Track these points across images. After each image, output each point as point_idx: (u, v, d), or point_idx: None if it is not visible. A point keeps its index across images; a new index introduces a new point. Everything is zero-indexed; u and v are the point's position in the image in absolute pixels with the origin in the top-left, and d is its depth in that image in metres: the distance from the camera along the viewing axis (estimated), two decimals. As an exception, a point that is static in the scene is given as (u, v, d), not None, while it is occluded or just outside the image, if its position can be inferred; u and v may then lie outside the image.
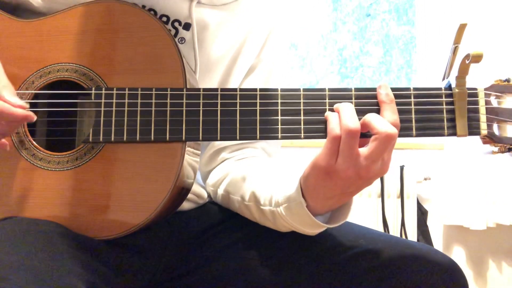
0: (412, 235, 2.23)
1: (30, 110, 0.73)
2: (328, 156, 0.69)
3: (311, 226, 0.77)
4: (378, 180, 2.26)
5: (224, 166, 0.96)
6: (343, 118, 0.69)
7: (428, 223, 2.29)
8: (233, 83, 0.96)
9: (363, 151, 0.68)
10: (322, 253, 0.82)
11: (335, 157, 0.69)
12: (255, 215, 0.85)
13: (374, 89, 0.74)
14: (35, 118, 0.72)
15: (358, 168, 0.68)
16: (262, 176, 0.86)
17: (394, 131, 0.68)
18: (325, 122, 0.73)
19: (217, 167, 0.98)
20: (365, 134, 0.70)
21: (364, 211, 2.24)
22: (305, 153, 2.08)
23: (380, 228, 2.23)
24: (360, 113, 0.72)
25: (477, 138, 0.75)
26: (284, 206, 0.77)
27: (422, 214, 2.29)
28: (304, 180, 0.74)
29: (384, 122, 0.69)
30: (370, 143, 0.68)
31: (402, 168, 2.28)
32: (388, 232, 2.22)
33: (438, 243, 2.36)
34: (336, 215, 0.78)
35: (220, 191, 0.94)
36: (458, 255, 2.36)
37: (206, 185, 1.00)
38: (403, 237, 2.20)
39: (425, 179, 2.32)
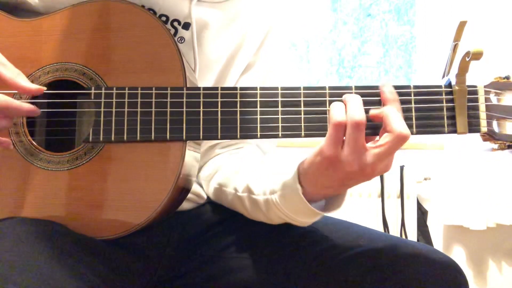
0: (412, 235, 2.23)
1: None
2: (332, 144, 0.68)
3: (306, 214, 0.76)
4: (378, 180, 2.26)
5: (217, 160, 0.96)
6: (349, 108, 0.69)
7: (428, 223, 2.29)
8: (230, 81, 0.96)
9: (372, 147, 0.68)
10: (322, 253, 0.82)
11: (340, 146, 0.68)
12: (247, 207, 0.84)
13: (374, 87, 0.73)
14: (39, 111, 0.73)
15: (364, 164, 0.67)
16: (256, 169, 0.85)
17: (408, 132, 0.67)
18: (325, 120, 0.73)
19: (210, 161, 0.98)
20: (370, 132, 0.70)
21: (364, 211, 2.24)
22: (304, 153, 2.08)
23: (380, 228, 2.23)
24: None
25: (477, 136, 0.75)
26: (279, 194, 0.76)
27: (422, 214, 2.29)
28: (305, 167, 0.73)
29: (401, 121, 0.68)
30: (382, 140, 0.67)
31: (402, 168, 2.28)
32: (388, 232, 2.22)
33: (438, 243, 2.35)
34: (330, 204, 0.78)
35: (213, 184, 0.94)
36: (458, 255, 2.35)
37: (198, 178, 1.00)
38: (403, 237, 2.20)
39: (425, 179, 2.31)
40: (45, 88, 0.73)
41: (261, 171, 0.84)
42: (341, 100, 0.72)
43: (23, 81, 0.72)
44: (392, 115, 0.68)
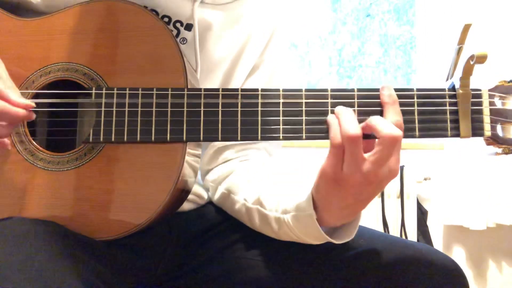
0: (412, 235, 2.23)
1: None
2: (333, 164, 0.68)
3: (316, 239, 0.76)
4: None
5: (228, 165, 0.96)
6: (342, 124, 0.67)
7: (428, 223, 2.29)
8: (235, 83, 0.95)
9: (369, 156, 0.67)
10: (321, 253, 0.82)
11: (340, 164, 0.67)
12: (256, 220, 0.84)
13: (376, 90, 0.72)
14: (34, 116, 0.72)
15: (365, 173, 0.66)
16: (269, 182, 0.85)
17: (398, 133, 0.66)
18: (326, 122, 0.72)
19: (220, 166, 0.97)
20: (369, 135, 0.69)
21: (364, 211, 2.23)
22: (305, 153, 2.08)
23: (380, 228, 2.23)
24: (363, 114, 0.71)
25: (478, 139, 0.75)
26: (292, 215, 0.75)
27: (422, 214, 2.29)
28: (315, 191, 0.72)
29: (389, 125, 0.67)
30: (376, 147, 0.66)
31: (402, 168, 2.28)
32: (388, 232, 2.22)
33: (438, 243, 2.35)
34: (341, 231, 0.77)
35: (221, 189, 0.93)
36: (458, 255, 2.35)
37: (205, 180, 0.99)
38: (403, 237, 2.20)
39: (425, 179, 2.31)
40: (34, 104, 0.71)
41: (274, 186, 0.83)
42: (341, 104, 0.71)
43: (12, 95, 0.69)
44: (378, 123, 0.67)
